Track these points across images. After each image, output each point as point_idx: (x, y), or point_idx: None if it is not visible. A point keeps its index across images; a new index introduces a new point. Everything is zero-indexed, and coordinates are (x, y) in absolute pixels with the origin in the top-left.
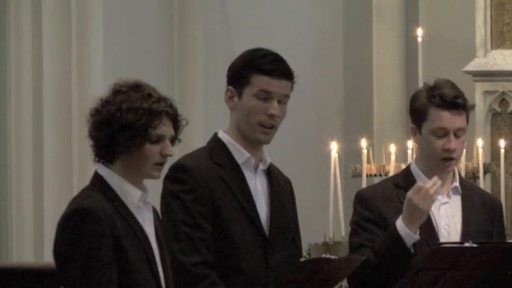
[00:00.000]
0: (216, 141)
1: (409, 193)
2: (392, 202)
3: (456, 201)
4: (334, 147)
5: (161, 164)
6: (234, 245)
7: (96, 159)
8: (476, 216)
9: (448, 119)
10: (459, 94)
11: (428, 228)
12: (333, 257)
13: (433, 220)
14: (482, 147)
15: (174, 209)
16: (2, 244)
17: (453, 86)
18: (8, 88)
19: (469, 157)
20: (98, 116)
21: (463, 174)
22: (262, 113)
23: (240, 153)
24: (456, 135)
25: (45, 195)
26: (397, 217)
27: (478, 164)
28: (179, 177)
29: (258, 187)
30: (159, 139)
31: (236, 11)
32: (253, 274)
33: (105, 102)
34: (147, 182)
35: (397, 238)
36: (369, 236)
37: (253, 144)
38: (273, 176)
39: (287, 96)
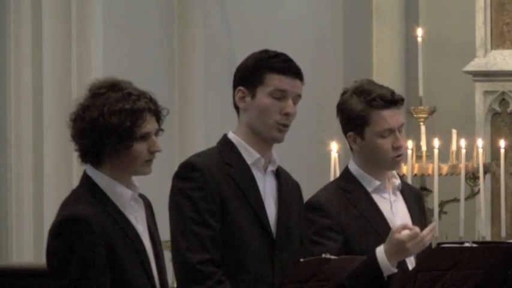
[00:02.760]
0: (225, 141)
1: (403, 237)
2: (345, 208)
3: (400, 198)
4: (334, 147)
5: (151, 160)
6: (241, 244)
7: (83, 163)
8: (415, 209)
9: (392, 117)
10: (393, 90)
11: (386, 230)
12: (333, 257)
13: (388, 221)
14: (482, 147)
15: (182, 206)
16: (2, 244)
17: (379, 84)
18: (8, 88)
19: (469, 157)
20: (81, 122)
21: (462, 174)
22: (277, 112)
23: (250, 154)
24: (399, 131)
25: (45, 195)
26: (354, 222)
27: (478, 164)
28: (188, 175)
29: (267, 188)
30: (146, 136)
31: (236, 11)
32: (258, 274)
33: (86, 107)
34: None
35: (376, 268)
36: (332, 245)
37: (266, 143)
38: (282, 177)
39: (299, 96)
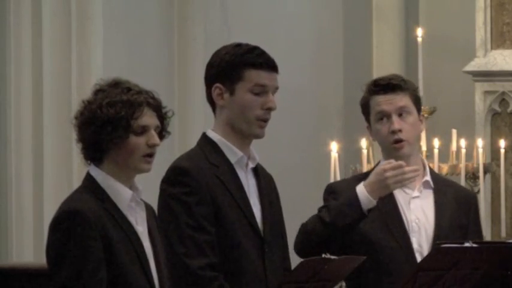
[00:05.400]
0: (207, 141)
1: (386, 165)
2: None
3: (428, 196)
4: (334, 147)
5: (150, 156)
6: (235, 245)
7: (88, 162)
8: (449, 210)
9: (385, 101)
10: (394, 77)
11: (397, 222)
12: (333, 257)
13: (402, 214)
14: (482, 147)
15: (176, 212)
16: (2, 244)
17: (394, 74)
18: (8, 88)
19: (469, 157)
20: (81, 117)
21: (462, 174)
22: (258, 107)
23: (233, 153)
24: (400, 116)
25: (45, 195)
26: None
27: (478, 164)
28: (179, 180)
29: (250, 186)
30: (144, 130)
31: (236, 11)
32: (252, 273)
33: (87, 103)
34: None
35: (355, 200)
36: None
37: (246, 140)
38: (260, 173)
39: (277, 88)
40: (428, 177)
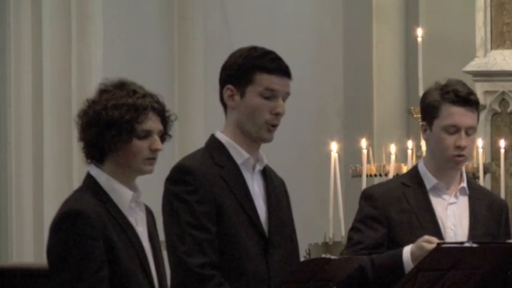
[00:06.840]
0: (214, 142)
1: (430, 247)
2: (398, 201)
3: (463, 202)
4: (334, 147)
5: (152, 159)
6: (235, 245)
7: (89, 161)
8: (482, 217)
9: (460, 115)
10: (472, 92)
11: (434, 229)
12: (333, 257)
13: (439, 220)
14: (482, 147)
15: (178, 210)
16: (2, 244)
17: (465, 84)
18: (8, 88)
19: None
20: (85, 117)
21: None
22: (267, 111)
23: (239, 154)
24: (467, 133)
25: (45, 195)
26: (403, 216)
27: (478, 164)
28: (182, 179)
29: (256, 187)
30: (147, 134)
31: (236, 11)
32: (254, 273)
33: (92, 103)
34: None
35: (400, 267)
36: (371, 233)
37: (254, 143)
38: (269, 176)
39: (288, 94)
40: (464, 184)
